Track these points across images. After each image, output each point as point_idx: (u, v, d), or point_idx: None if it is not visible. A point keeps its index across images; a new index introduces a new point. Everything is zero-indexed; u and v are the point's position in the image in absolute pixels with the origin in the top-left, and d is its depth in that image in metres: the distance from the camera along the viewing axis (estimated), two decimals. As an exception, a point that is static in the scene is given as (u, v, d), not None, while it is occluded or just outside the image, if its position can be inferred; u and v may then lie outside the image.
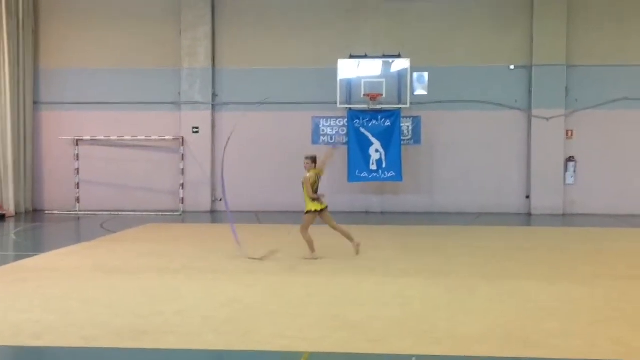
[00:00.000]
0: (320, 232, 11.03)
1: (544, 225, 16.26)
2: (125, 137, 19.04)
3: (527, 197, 18.77)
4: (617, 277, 9.25)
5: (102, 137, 19.08)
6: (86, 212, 18.45)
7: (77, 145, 19.05)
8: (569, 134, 18.61)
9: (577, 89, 18.47)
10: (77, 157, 18.99)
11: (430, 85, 18.14)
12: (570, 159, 18.59)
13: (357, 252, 10.76)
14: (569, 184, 18.62)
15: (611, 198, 18.36)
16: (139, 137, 19.01)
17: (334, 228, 10.77)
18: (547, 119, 18.35)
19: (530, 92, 18.57)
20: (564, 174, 18.59)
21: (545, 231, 15.21)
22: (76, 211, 18.71)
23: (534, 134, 18.53)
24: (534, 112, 18.46)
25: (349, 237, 10.85)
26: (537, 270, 9.81)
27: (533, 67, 18.48)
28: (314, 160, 10.70)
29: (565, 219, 17.89)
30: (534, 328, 6.56)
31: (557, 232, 15.01)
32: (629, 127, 18.39)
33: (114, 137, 19.08)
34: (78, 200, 18.90)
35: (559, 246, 12.47)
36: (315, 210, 10.48)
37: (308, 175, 10.50)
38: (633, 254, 11.48)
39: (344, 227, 11.09)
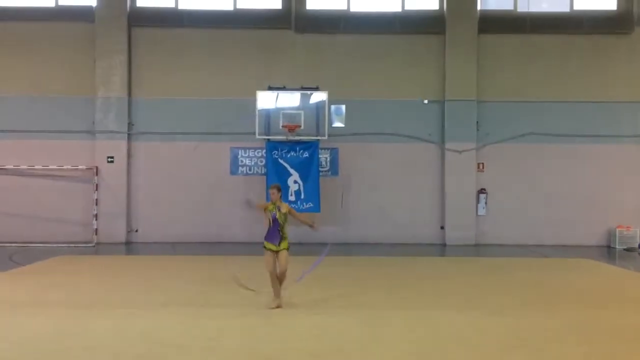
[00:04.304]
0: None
1: (457, 256, 16.69)
2: (36, 167, 18.44)
3: (442, 227, 19.23)
4: (524, 306, 9.61)
5: (11, 166, 18.43)
6: (-7, 244, 17.70)
7: (-16, 174, 18.35)
8: (480, 166, 19.25)
9: (488, 123, 19.18)
10: (-16, 186, 18.27)
11: (348, 118, 18.49)
12: (481, 190, 19.22)
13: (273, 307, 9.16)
14: (480, 215, 19.21)
15: (519, 228, 19.05)
16: (50, 167, 18.46)
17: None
18: (460, 152, 18.95)
19: (443, 126, 19.15)
20: (476, 206, 19.18)
21: (457, 261, 15.61)
22: (-18, 243, 17.92)
23: (447, 167, 19.07)
24: (447, 145, 19.02)
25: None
26: (448, 300, 10.07)
27: (446, 102, 19.07)
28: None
29: (478, 249, 18.42)
30: (443, 357, 6.73)
31: (468, 262, 15.42)
32: (535, 160, 19.20)
33: (23, 167, 18.45)
34: (-15, 231, 18.12)
35: (470, 276, 12.84)
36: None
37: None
38: (539, 283, 11.94)
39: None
